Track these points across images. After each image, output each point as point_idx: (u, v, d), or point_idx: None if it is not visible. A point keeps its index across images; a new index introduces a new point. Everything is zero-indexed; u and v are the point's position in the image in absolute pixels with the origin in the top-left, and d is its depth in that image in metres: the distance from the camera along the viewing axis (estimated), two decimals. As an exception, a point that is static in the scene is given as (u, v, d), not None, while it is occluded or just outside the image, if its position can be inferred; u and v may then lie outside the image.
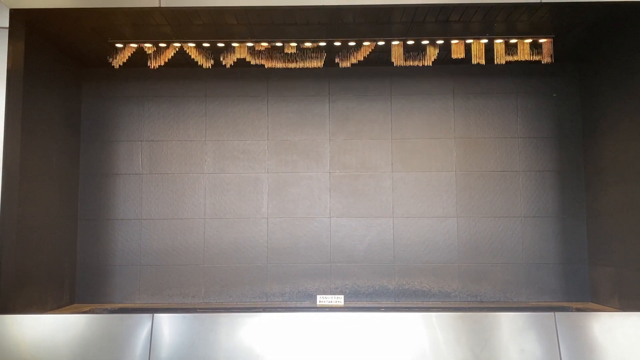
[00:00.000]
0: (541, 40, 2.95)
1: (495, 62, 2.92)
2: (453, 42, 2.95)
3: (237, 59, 2.99)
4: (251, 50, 3.00)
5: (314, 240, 3.30)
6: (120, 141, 3.36)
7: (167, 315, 2.42)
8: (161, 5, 2.55)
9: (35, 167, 2.80)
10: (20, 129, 2.62)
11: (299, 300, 3.27)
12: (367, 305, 3.18)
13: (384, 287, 3.28)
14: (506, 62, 2.95)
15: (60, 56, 3.11)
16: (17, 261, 2.58)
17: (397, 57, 2.99)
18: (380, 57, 3.20)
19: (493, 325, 2.39)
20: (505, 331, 2.38)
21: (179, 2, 2.56)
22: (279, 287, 3.29)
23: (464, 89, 3.37)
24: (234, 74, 3.38)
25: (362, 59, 3.01)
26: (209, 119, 3.38)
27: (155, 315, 2.41)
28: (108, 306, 3.16)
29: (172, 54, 3.00)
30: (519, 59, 2.96)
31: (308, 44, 2.96)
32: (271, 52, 3.00)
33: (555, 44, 2.96)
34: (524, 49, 2.98)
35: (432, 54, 2.99)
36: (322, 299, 3.09)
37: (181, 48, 2.99)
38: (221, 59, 3.01)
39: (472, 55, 2.96)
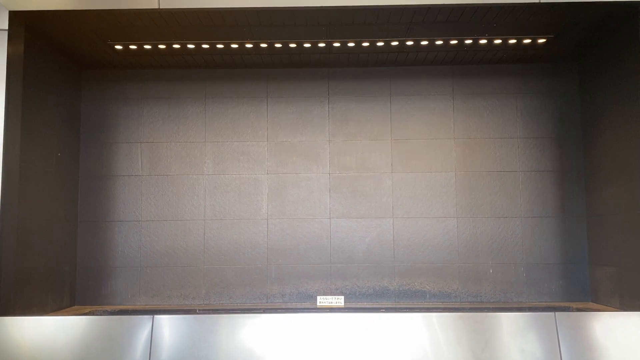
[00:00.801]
0: (540, 40, 2.95)
1: (495, 63, 2.94)
2: (452, 42, 2.95)
3: (237, 60, 3.00)
4: (250, 52, 3.00)
5: (314, 241, 3.31)
6: (120, 143, 3.36)
7: (167, 317, 2.42)
8: (160, 7, 2.56)
9: (35, 169, 2.80)
10: (20, 130, 2.62)
11: (299, 301, 3.27)
12: (368, 306, 3.18)
13: (384, 288, 3.28)
14: (505, 62, 2.96)
15: (60, 58, 3.11)
16: (17, 263, 2.58)
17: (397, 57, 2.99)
18: (380, 58, 3.21)
19: (493, 326, 2.39)
20: (505, 331, 2.38)
21: (179, 3, 2.56)
22: (279, 288, 3.28)
23: (464, 89, 3.37)
24: (234, 75, 3.39)
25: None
26: (209, 121, 3.39)
27: (156, 316, 2.41)
28: (108, 308, 3.16)
29: (172, 56, 3.00)
30: (518, 60, 2.97)
31: (307, 45, 2.96)
32: (271, 55, 3.01)
33: (554, 44, 2.97)
34: (523, 49, 2.98)
35: (431, 54, 2.99)
36: (322, 300, 3.09)
37: (181, 49, 2.99)
38: (221, 60, 3.01)
39: (472, 55, 2.97)
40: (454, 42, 2.95)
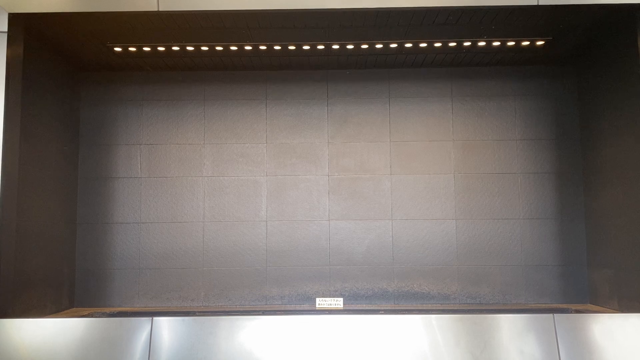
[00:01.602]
0: (538, 43, 2.96)
1: (493, 65, 2.94)
2: (450, 44, 2.96)
3: (236, 62, 3.00)
4: (249, 54, 3.01)
5: (313, 243, 3.31)
6: (119, 145, 3.37)
7: (166, 319, 2.42)
8: (160, 9, 2.56)
9: (34, 171, 2.80)
10: (19, 133, 2.62)
11: (298, 303, 3.27)
12: (367, 308, 3.18)
13: (383, 290, 3.28)
14: (504, 64, 2.96)
15: (59, 60, 3.11)
16: (16, 265, 2.58)
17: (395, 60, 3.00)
18: (379, 60, 3.21)
19: (492, 327, 2.39)
20: (504, 333, 2.38)
21: (177, 6, 2.56)
22: (278, 290, 3.28)
23: (462, 91, 3.38)
24: (233, 77, 3.39)
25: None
26: (208, 122, 3.39)
27: (155, 318, 2.41)
28: (107, 310, 3.16)
29: (171, 58, 3.01)
30: (517, 62, 2.98)
31: (306, 47, 2.97)
32: (270, 57, 3.01)
33: (553, 47, 2.97)
34: (521, 51, 2.98)
35: (429, 56, 3.00)
36: (321, 302, 3.09)
37: (180, 51, 2.99)
38: (220, 63, 3.01)
39: (470, 57, 2.97)
40: (452, 44, 2.95)
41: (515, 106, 3.36)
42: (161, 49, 2.98)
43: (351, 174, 3.35)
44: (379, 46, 2.97)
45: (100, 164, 3.35)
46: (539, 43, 2.96)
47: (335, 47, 2.97)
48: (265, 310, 3.12)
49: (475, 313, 2.52)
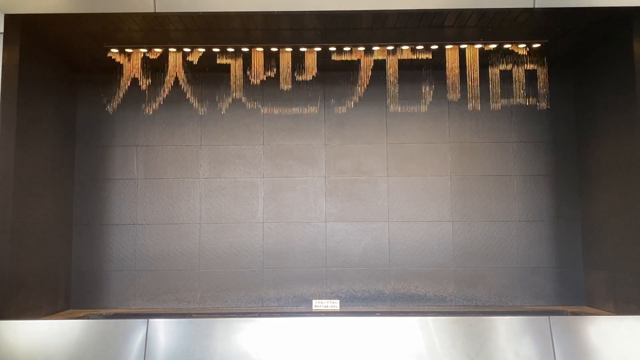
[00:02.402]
0: (535, 45, 2.96)
1: (492, 68, 2.94)
2: (447, 47, 2.96)
3: (236, 63, 3.00)
4: (246, 55, 3.01)
5: (309, 245, 3.31)
6: (115, 146, 3.36)
7: (162, 321, 2.41)
8: (156, 11, 2.56)
9: (31, 173, 2.79)
10: (15, 134, 2.61)
11: (294, 305, 3.27)
12: (363, 310, 3.18)
13: (379, 292, 3.28)
14: (500, 67, 2.97)
15: (55, 61, 3.11)
16: (11, 267, 2.57)
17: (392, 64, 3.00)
18: (376, 62, 3.20)
19: (488, 329, 2.39)
20: (500, 335, 2.39)
21: (174, 7, 2.56)
22: (275, 292, 3.28)
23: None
24: (230, 78, 3.37)
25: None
26: (205, 124, 3.38)
27: (151, 320, 2.41)
28: (103, 311, 3.15)
29: (167, 59, 3.00)
30: (513, 65, 2.99)
31: (303, 49, 2.97)
32: (269, 59, 3.01)
33: (549, 49, 2.98)
34: (517, 54, 2.99)
35: (425, 60, 3.00)
36: (317, 304, 3.09)
37: (176, 53, 2.99)
38: (217, 63, 3.01)
39: (466, 60, 2.97)
40: (449, 46, 2.96)
41: (511, 109, 3.36)
42: (158, 50, 2.98)
43: (348, 176, 3.35)
44: (375, 48, 2.97)
45: (97, 165, 3.34)
46: (535, 46, 2.97)
47: (332, 49, 2.97)
48: (262, 312, 3.12)
49: (472, 315, 2.53)
